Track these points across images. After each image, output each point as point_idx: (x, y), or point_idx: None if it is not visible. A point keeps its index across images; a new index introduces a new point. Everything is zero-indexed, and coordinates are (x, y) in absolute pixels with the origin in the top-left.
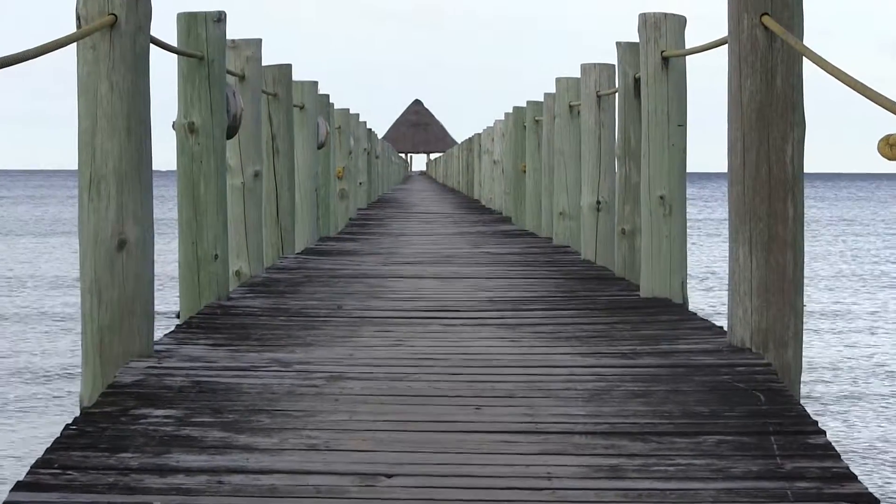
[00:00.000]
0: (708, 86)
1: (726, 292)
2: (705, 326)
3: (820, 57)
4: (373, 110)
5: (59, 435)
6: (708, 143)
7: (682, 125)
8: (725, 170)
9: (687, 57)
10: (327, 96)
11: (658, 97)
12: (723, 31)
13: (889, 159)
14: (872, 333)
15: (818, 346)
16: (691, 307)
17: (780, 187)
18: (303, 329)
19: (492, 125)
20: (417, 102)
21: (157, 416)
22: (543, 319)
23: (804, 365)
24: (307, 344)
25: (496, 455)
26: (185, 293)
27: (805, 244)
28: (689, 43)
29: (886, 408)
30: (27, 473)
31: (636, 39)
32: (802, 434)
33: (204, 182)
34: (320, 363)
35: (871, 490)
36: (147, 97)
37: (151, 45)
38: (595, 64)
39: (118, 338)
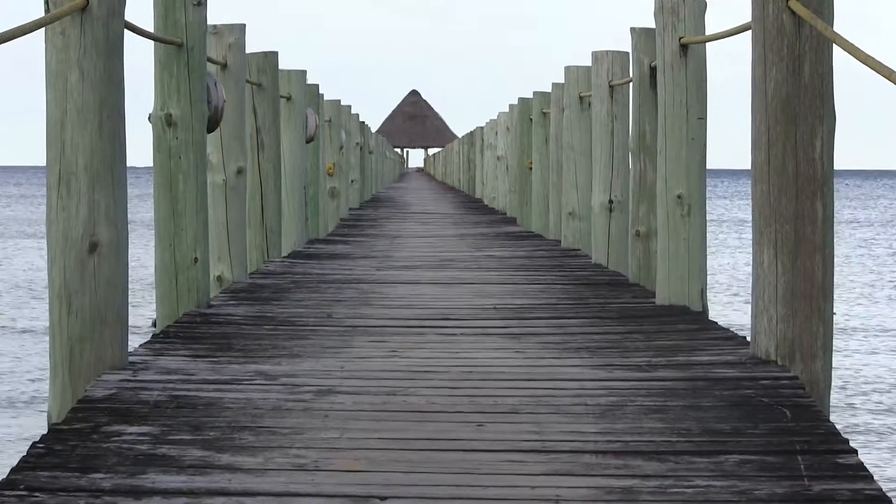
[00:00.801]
0: (729, 76)
1: (749, 300)
2: (726, 336)
3: (851, 44)
4: (366, 102)
5: (24, 453)
6: (729, 137)
7: (702, 118)
8: (748, 166)
9: (707, 44)
10: (317, 86)
11: (676, 87)
12: (746, 17)
13: None
14: None
15: (849, 358)
16: (711, 316)
17: (808, 185)
18: (290, 339)
19: (495, 118)
20: (414, 93)
21: (131, 434)
22: (551, 329)
23: (834, 378)
24: (294, 355)
25: (499, 476)
26: (161, 300)
27: (835, 247)
28: (710, 29)
29: None
30: None
31: (652, 25)
32: (832, 453)
33: (182, 179)
34: (309, 376)
35: None
36: (121, 87)
37: (126, 30)
38: (607, 51)
39: (89, 348)
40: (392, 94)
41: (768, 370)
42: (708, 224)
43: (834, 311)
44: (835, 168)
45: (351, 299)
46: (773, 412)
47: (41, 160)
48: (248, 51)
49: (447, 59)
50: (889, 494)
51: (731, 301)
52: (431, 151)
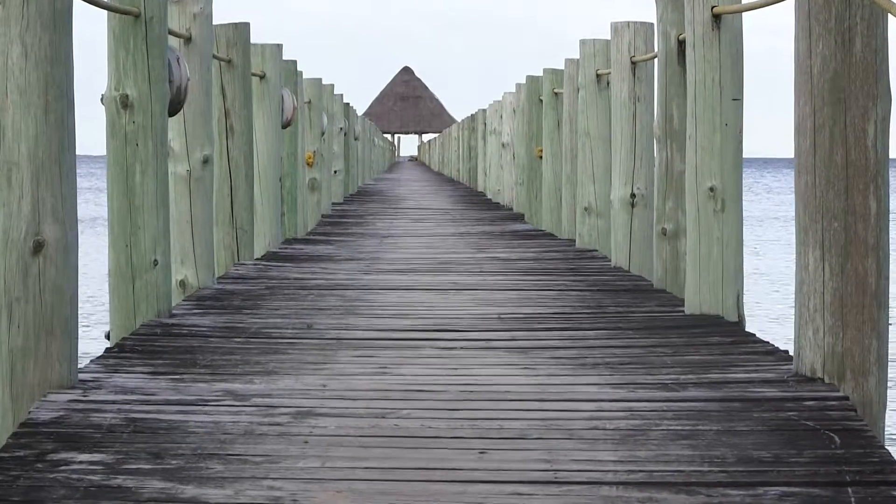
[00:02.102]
0: (768, 50)
1: (792, 308)
2: (766, 350)
3: None
4: (351, 81)
5: None
6: (767, 121)
7: (738, 99)
8: (791, 155)
9: (743, 14)
10: (294, 63)
11: (707, 64)
12: None
13: None
14: None
15: None
16: (749, 327)
17: (860, 177)
18: (264, 353)
19: (499, 99)
20: (407, 70)
21: (81, 462)
22: (564, 342)
23: (889, 399)
24: (269, 372)
25: None
26: (116, 308)
27: (891, 247)
28: None
29: None
30: None
31: None
32: (887, 485)
33: (140, 169)
34: (285, 396)
35: None
36: (70, 65)
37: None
38: (629, 22)
39: (33, 364)
40: (381, 71)
41: (814, 389)
42: (744, 221)
43: (890, 321)
44: (890, 156)
45: (334, 308)
46: (820, 437)
47: None
48: (215, 22)
49: (444, 32)
50: None
51: (770, 310)
52: (426, 138)
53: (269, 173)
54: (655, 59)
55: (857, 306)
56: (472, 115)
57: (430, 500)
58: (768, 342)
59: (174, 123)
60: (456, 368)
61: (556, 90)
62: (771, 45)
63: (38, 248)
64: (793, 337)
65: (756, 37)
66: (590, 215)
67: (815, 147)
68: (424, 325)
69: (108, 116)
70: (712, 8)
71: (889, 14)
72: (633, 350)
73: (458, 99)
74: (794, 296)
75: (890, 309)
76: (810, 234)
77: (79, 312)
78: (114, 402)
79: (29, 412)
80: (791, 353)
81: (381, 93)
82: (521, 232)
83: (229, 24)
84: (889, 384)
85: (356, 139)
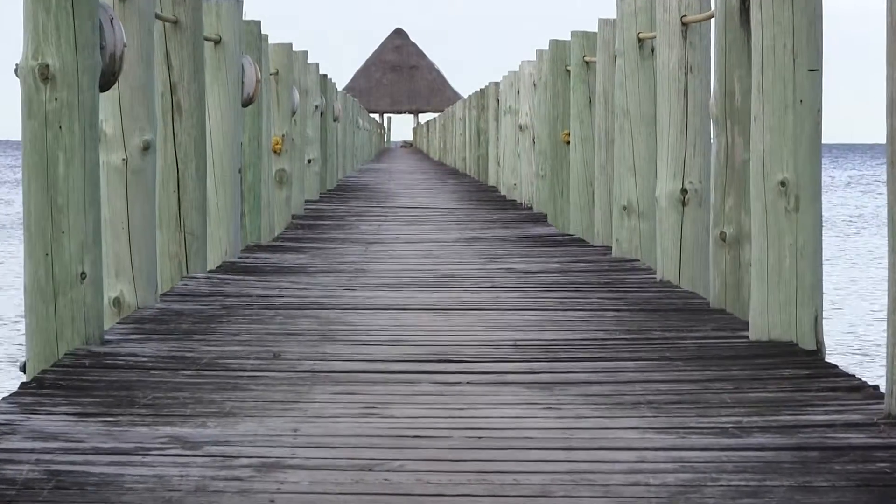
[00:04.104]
0: (853, 10)
1: (883, 334)
2: (850, 386)
3: None
4: (329, 47)
5: None
6: (849, 99)
7: (816, 69)
8: (879, 140)
9: None
10: (258, 24)
11: (778, 26)
12: None
13: None
14: None
15: None
16: (829, 356)
17: None
18: (219, 390)
19: (516, 69)
20: (399, 34)
21: None
22: (597, 375)
23: None
24: (226, 413)
25: None
26: (34, 333)
27: None
28: None
29: None
30: None
31: None
32: None
33: (64, 159)
34: (247, 443)
35: None
36: None
37: None
38: None
39: None
40: (367, 34)
41: None
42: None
43: None
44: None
45: (308, 333)
46: None
47: None
48: None
49: None
50: None
51: (854, 336)
52: (424, 118)
53: (225, 163)
54: (712, 20)
55: None
56: (481, 89)
57: None
58: (854, 376)
59: (107, 101)
60: (461, 409)
61: (587, 58)
62: (856, 2)
63: None
64: (885, 370)
65: None
66: (630, 216)
67: None
68: (421, 354)
69: (24, 92)
70: None
71: None
72: (684, 386)
73: (464, 69)
74: (885, 318)
75: None
76: None
77: None
78: (31, 451)
79: None
80: (882, 389)
81: (367, 62)
82: (542, 237)
83: None
84: None
85: (335, 120)
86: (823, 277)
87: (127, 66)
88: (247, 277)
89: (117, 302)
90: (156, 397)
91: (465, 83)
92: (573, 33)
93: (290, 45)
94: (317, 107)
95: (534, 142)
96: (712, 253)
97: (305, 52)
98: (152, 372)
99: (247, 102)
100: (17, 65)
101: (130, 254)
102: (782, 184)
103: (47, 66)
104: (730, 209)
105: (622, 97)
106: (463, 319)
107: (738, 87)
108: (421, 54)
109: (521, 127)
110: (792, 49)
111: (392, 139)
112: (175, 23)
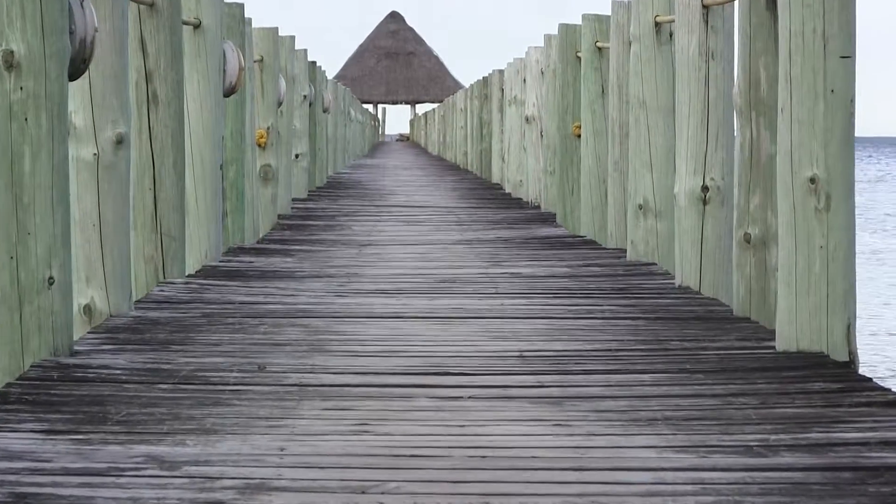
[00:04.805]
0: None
1: None
2: (886, 401)
3: None
4: (319, 32)
5: None
6: (883, 89)
7: (849, 56)
8: None
9: None
10: (241, 7)
11: (808, 9)
12: None
13: None
14: None
15: None
16: (863, 368)
17: None
18: (199, 405)
19: (522, 56)
20: (395, 17)
21: None
22: (610, 390)
23: None
24: (206, 430)
25: None
26: None
27: None
28: None
29: None
30: None
31: None
32: None
33: (31, 154)
34: (229, 463)
35: None
36: None
37: None
38: None
39: None
40: (360, 18)
41: None
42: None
43: None
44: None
45: (295, 343)
46: None
47: None
48: None
49: None
50: None
51: (891, 346)
52: (421, 109)
53: (206, 158)
54: (736, 2)
55: None
56: (484, 78)
57: None
58: (889, 390)
59: (77, 91)
60: (462, 426)
61: (599, 44)
62: None
63: None
64: None
65: None
66: (646, 216)
67: None
68: (418, 366)
69: None
70: None
71: None
72: (705, 400)
73: (465, 56)
74: None
75: None
76: None
77: None
78: None
79: None
80: None
81: (360, 48)
82: (551, 239)
83: None
84: None
85: (325, 111)
86: (857, 282)
87: (98, 52)
88: (229, 283)
89: (88, 309)
90: (130, 413)
91: (466, 71)
92: (584, 17)
93: (276, 29)
94: (305, 97)
95: (541, 135)
96: (736, 256)
97: (293, 38)
98: (126, 386)
99: (229, 92)
100: None
101: (102, 257)
102: (812, 181)
103: (12, 52)
104: (755, 208)
105: (637, 86)
106: (464, 328)
107: (763, 75)
108: (419, 40)
109: (527, 119)
110: (822, 34)
111: (387, 132)
112: (151, 5)
